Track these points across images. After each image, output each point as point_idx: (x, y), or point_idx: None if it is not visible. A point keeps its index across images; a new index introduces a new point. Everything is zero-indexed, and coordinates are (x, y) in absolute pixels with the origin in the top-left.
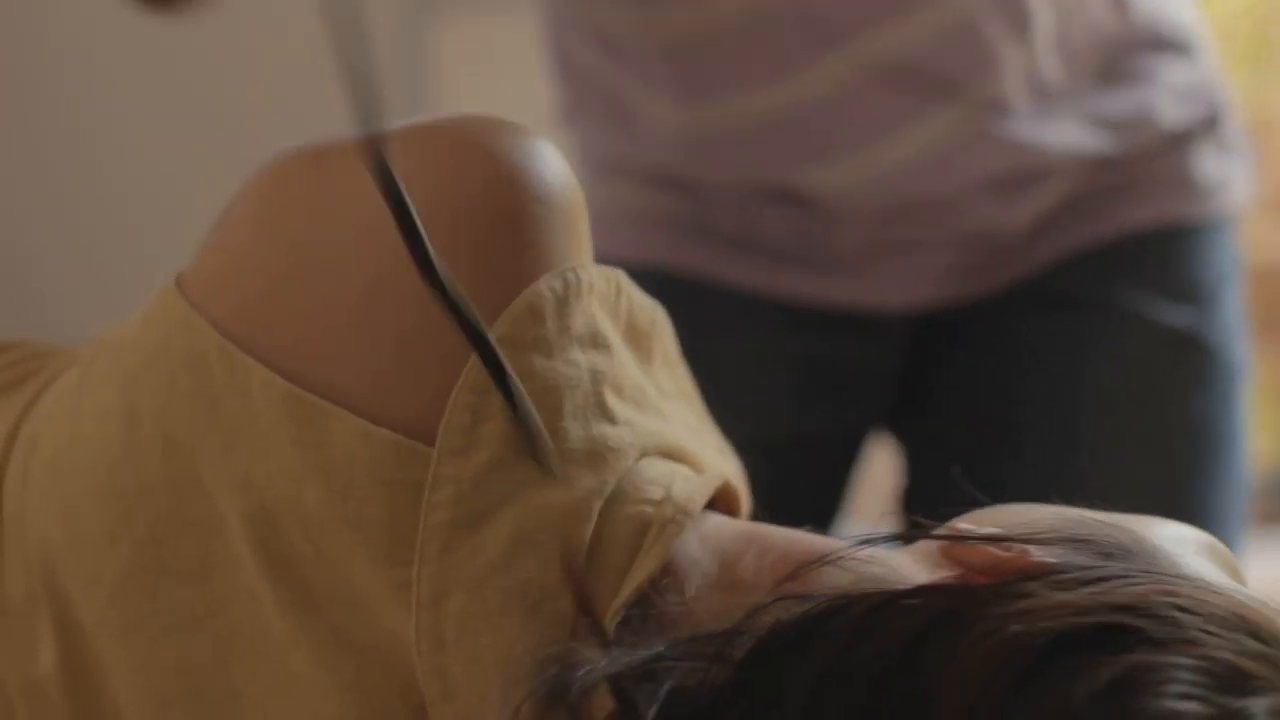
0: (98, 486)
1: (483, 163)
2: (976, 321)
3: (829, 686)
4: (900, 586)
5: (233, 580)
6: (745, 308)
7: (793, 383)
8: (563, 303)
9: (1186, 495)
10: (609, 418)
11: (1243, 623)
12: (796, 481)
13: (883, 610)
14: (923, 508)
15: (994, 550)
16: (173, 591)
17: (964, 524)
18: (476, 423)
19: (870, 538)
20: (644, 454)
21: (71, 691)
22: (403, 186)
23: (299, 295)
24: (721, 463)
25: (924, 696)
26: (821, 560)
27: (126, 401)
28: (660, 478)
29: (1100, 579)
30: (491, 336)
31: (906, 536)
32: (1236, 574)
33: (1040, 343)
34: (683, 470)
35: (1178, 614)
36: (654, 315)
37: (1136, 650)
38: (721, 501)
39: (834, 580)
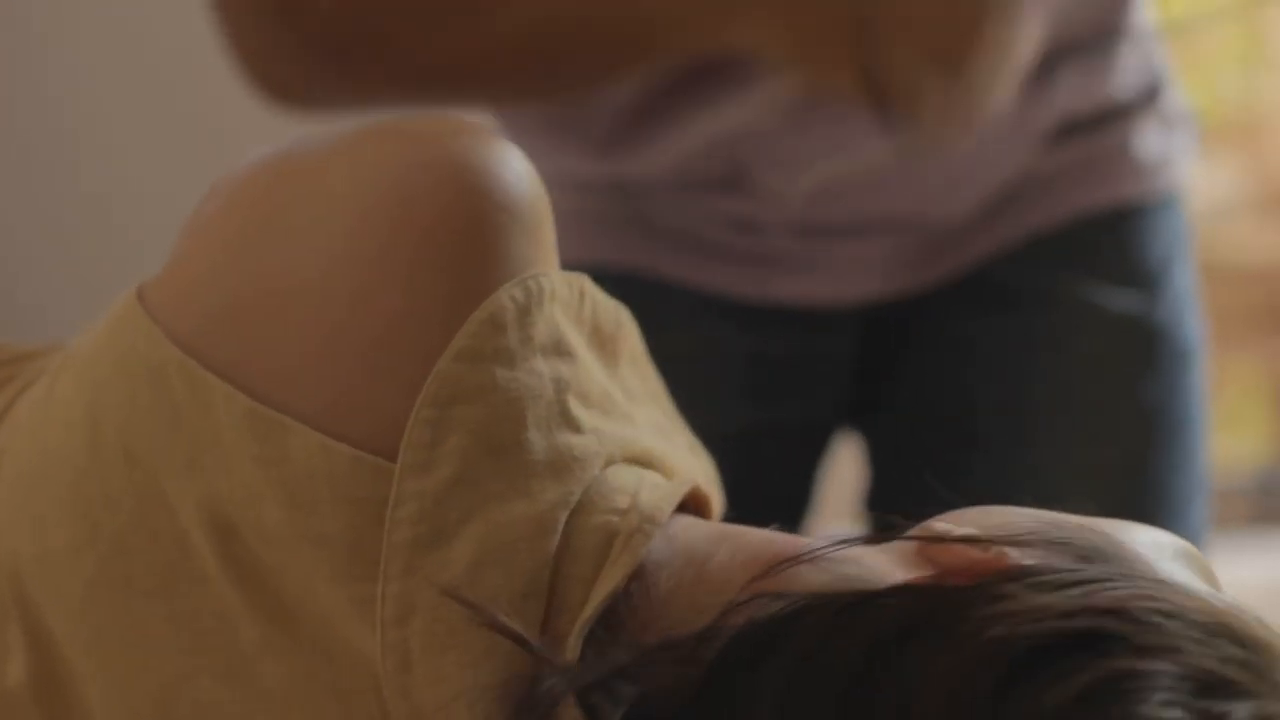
0: (63, 499)
1: (446, 172)
2: (927, 315)
3: (802, 685)
4: (876, 586)
5: (198, 593)
6: (691, 303)
7: (743, 377)
8: (524, 312)
9: (1143, 481)
10: (574, 427)
11: (1223, 629)
12: (754, 476)
13: (859, 609)
14: (887, 505)
15: (972, 551)
16: (138, 605)
17: (940, 524)
18: (438, 438)
19: (844, 538)
20: (610, 462)
21: (42, 701)
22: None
23: (263, 312)
24: (692, 463)
25: (902, 697)
26: (795, 559)
27: (90, 414)
28: (627, 486)
29: (1080, 582)
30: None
31: (882, 537)
32: (1211, 578)
33: (989, 337)
34: (651, 476)
35: (1159, 619)
36: (619, 317)
37: (1118, 656)
38: (692, 503)
39: (809, 580)
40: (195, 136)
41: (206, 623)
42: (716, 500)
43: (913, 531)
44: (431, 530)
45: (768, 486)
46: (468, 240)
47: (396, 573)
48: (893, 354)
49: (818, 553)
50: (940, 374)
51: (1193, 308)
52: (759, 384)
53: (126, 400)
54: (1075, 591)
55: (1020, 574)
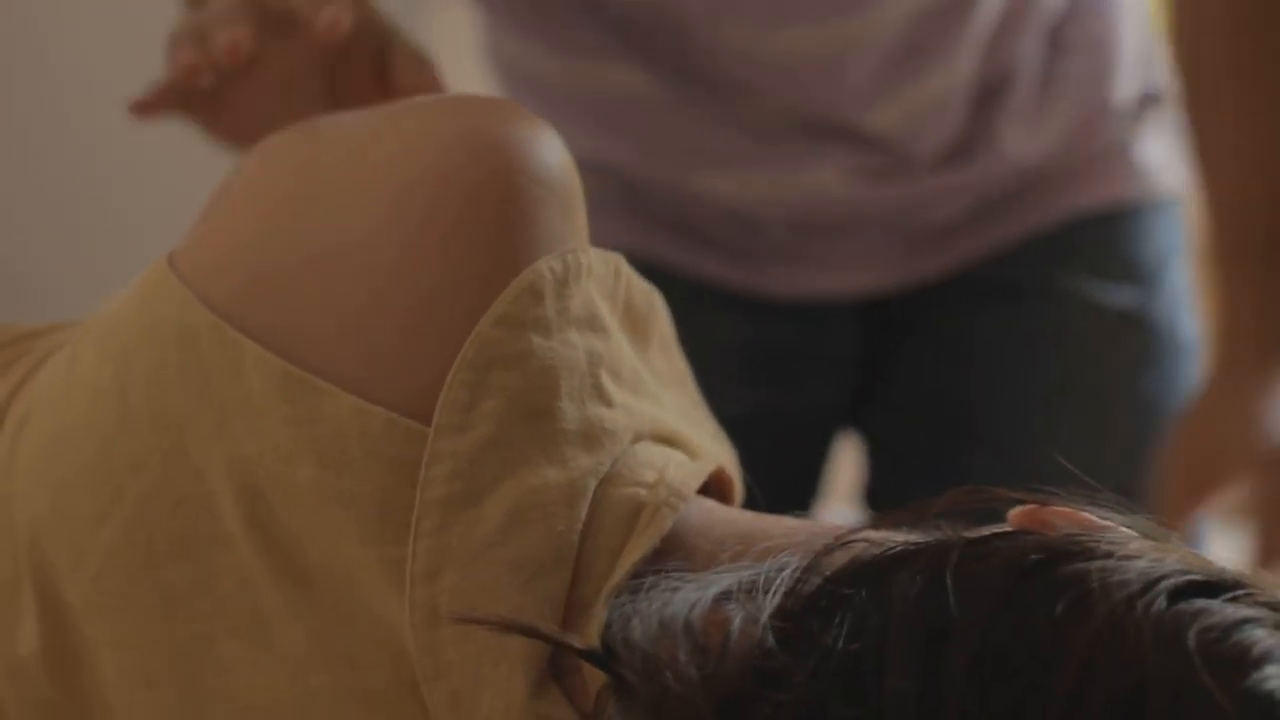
0: (89, 463)
1: (486, 147)
2: (927, 310)
3: (941, 601)
4: (983, 532)
5: (221, 558)
6: (688, 290)
7: (740, 364)
8: (562, 284)
9: (1142, 475)
10: (605, 400)
11: None
12: (752, 464)
13: (984, 543)
14: (888, 502)
15: (1085, 515)
16: (159, 569)
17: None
18: (475, 400)
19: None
20: (639, 438)
21: (53, 669)
22: None
23: (303, 278)
24: (715, 449)
25: (1068, 608)
26: (853, 531)
27: (118, 379)
28: (654, 461)
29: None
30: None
31: (984, 506)
32: None
33: (988, 333)
34: (677, 455)
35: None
36: (651, 300)
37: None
38: (715, 487)
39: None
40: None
41: (228, 586)
42: (739, 486)
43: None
44: (465, 488)
45: (766, 474)
46: (505, 213)
47: (429, 529)
48: (894, 348)
49: (886, 521)
50: (939, 370)
51: (1189, 306)
52: (756, 372)
53: (156, 363)
54: (1177, 553)
55: (1128, 537)
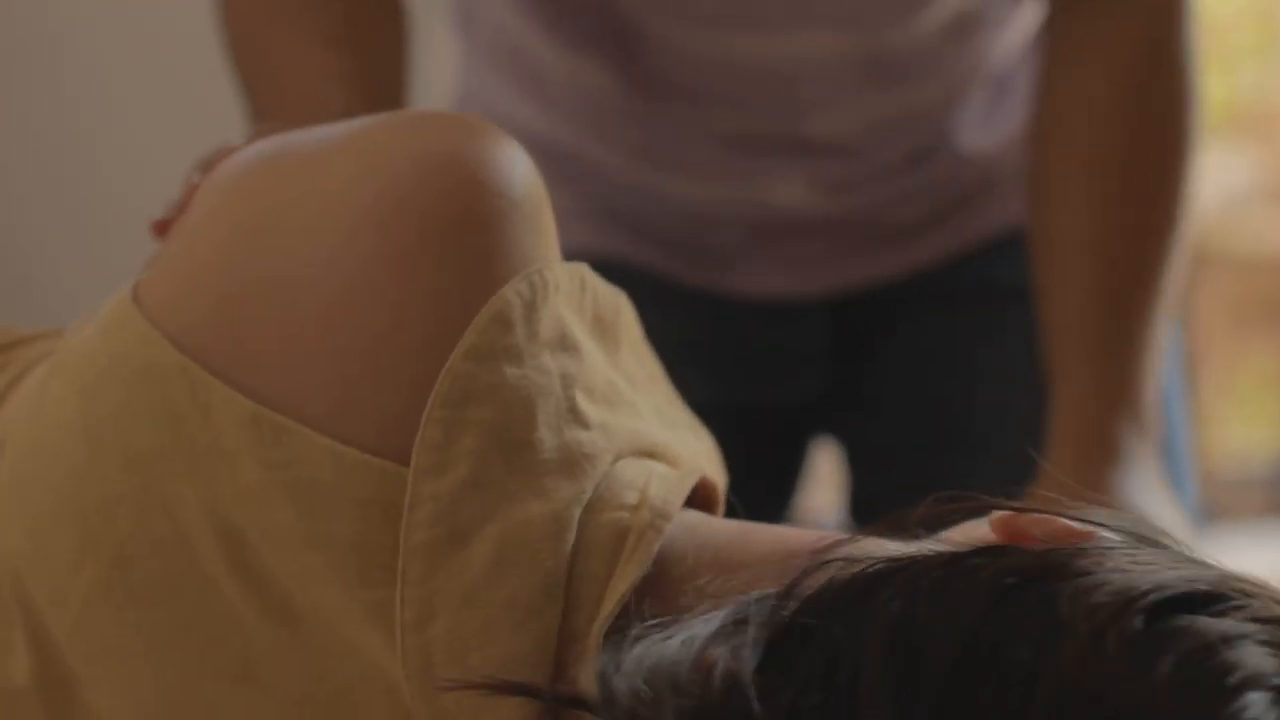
0: (61, 504)
1: (445, 165)
2: (898, 314)
3: (917, 624)
4: (965, 548)
5: (205, 598)
6: (652, 288)
7: (707, 361)
8: (530, 308)
9: None
10: (582, 423)
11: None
12: (727, 465)
13: (967, 559)
14: (870, 509)
15: (1067, 523)
16: (143, 611)
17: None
18: (451, 439)
19: (887, 522)
20: (619, 456)
21: (45, 703)
22: None
23: (262, 310)
24: (695, 444)
25: (1042, 632)
26: (830, 548)
27: (85, 418)
28: (636, 481)
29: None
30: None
31: (968, 512)
32: None
33: (960, 337)
34: (659, 469)
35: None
36: (617, 303)
37: (1237, 612)
38: (700, 490)
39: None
40: (196, 120)
41: (214, 626)
42: (721, 482)
43: (1005, 504)
44: (449, 532)
45: (739, 475)
46: (466, 231)
47: (416, 577)
48: (866, 353)
49: (867, 532)
50: (914, 376)
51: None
52: (723, 370)
53: (123, 403)
54: (1165, 560)
55: (1108, 546)
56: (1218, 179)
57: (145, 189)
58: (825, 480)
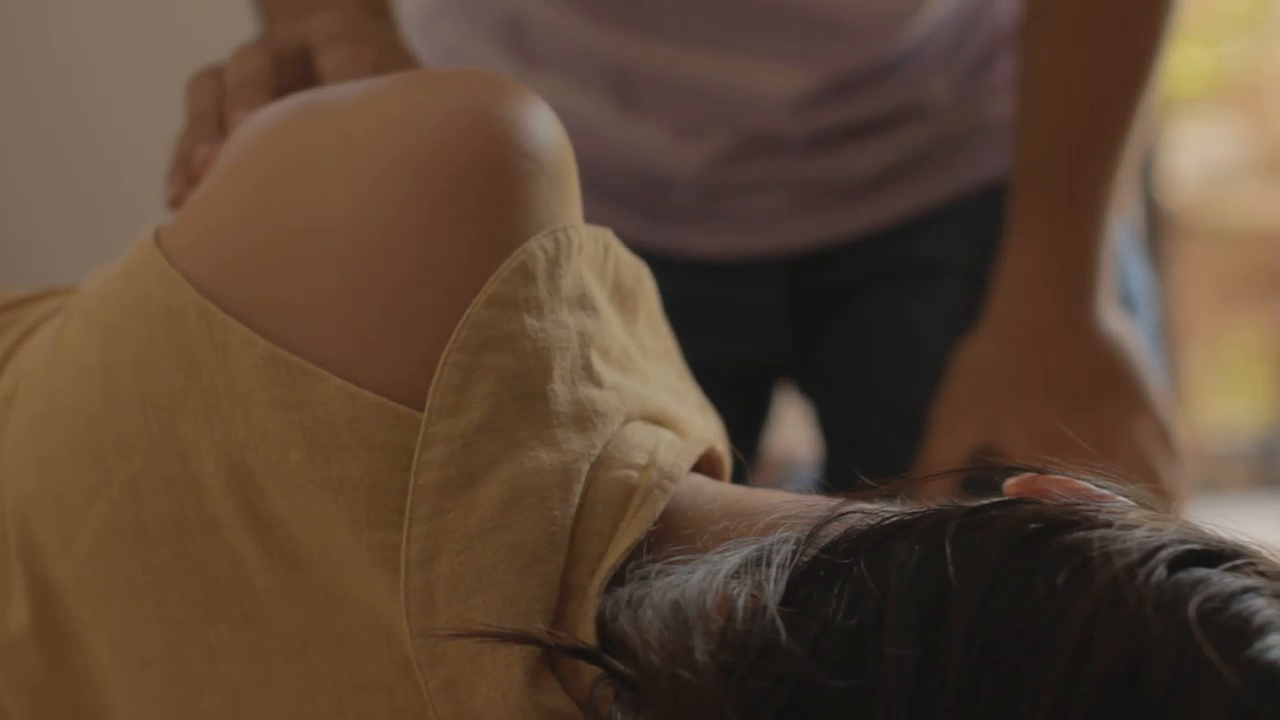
0: (76, 443)
1: (476, 121)
2: (844, 277)
3: (940, 568)
4: (983, 500)
5: (211, 540)
6: None
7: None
8: (553, 263)
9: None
10: (596, 381)
11: None
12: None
13: (983, 511)
14: (841, 474)
15: (1087, 485)
16: (149, 551)
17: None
18: (468, 382)
19: (900, 479)
20: (629, 419)
21: (44, 650)
22: None
23: (285, 256)
24: (703, 422)
25: (1070, 576)
26: (848, 501)
27: (104, 357)
28: (645, 443)
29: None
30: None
31: (993, 474)
32: None
33: (887, 305)
34: (667, 435)
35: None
36: (639, 273)
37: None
38: (705, 464)
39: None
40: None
41: (218, 569)
42: (726, 460)
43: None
44: (460, 473)
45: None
46: (493, 188)
47: (423, 515)
48: (821, 310)
49: (885, 490)
50: (874, 351)
51: (1134, 257)
52: (679, 326)
53: (142, 344)
54: (1178, 521)
55: (1127, 506)
56: (1205, 151)
57: (142, 167)
58: (794, 420)
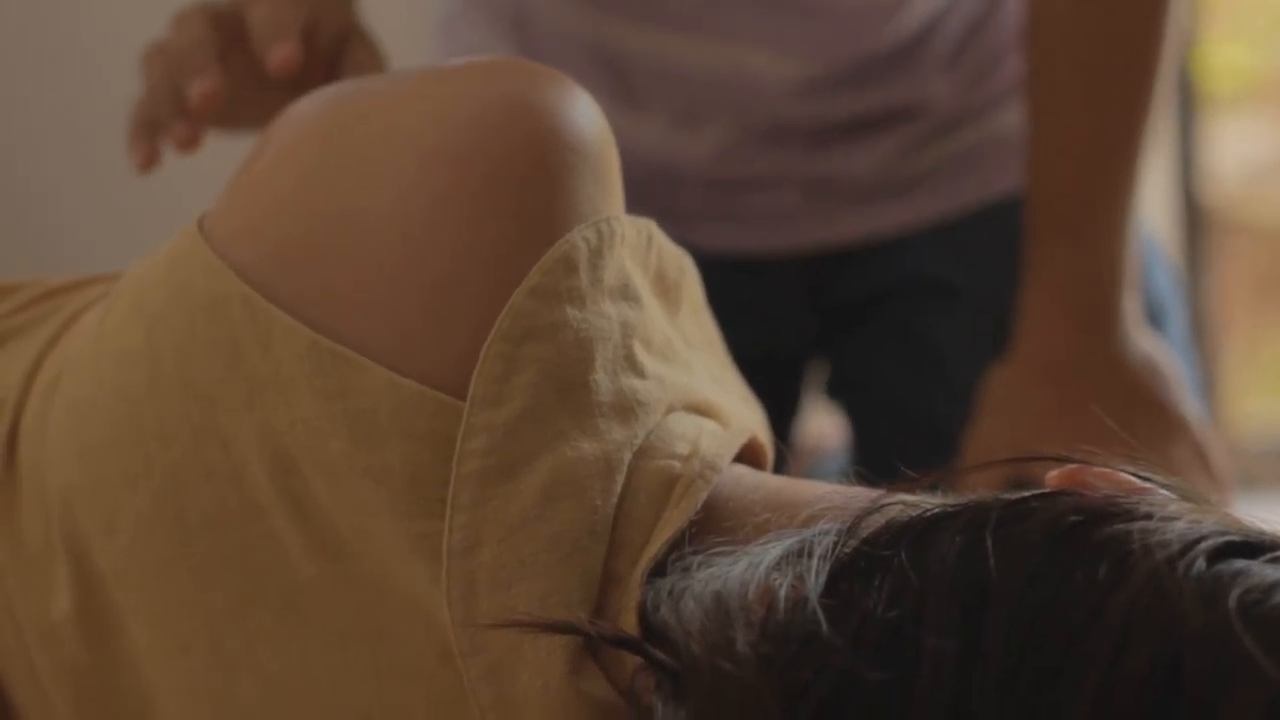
0: (119, 430)
1: (519, 112)
2: (865, 289)
3: (981, 560)
4: (1023, 493)
5: (253, 529)
6: None
7: None
8: (596, 254)
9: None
10: (638, 371)
11: None
12: None
13: (1024, 503)
14: (867, 466)
15: (1131, 478)
16: (191, 539)
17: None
18: (509, 372)
19: (941, 472)
20: (671, 409)
21: (86, 637)
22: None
23: (329, 245)
24: (746, 413)
25: (1109, 569)
26: (889, 493)
27: (148, 345)
28: (687, 433)
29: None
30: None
31: (1036, 469)
32: None
33: (910, 321)
34: (710, 425)
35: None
36: (682, 264)
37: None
38: (748, 453)
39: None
40: None
41: (260, 557)
42: (769, 451)
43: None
44: (501, 462)
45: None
46: (536, 180)
47: (465, 503)
48: (849, 318)
49: (900, 496)
50: (894, 365)
51: (1159, 263)
52: None
53: (185, 333)
54: (1218, 513)
55: (1167, 499)
56: (1243, 149)
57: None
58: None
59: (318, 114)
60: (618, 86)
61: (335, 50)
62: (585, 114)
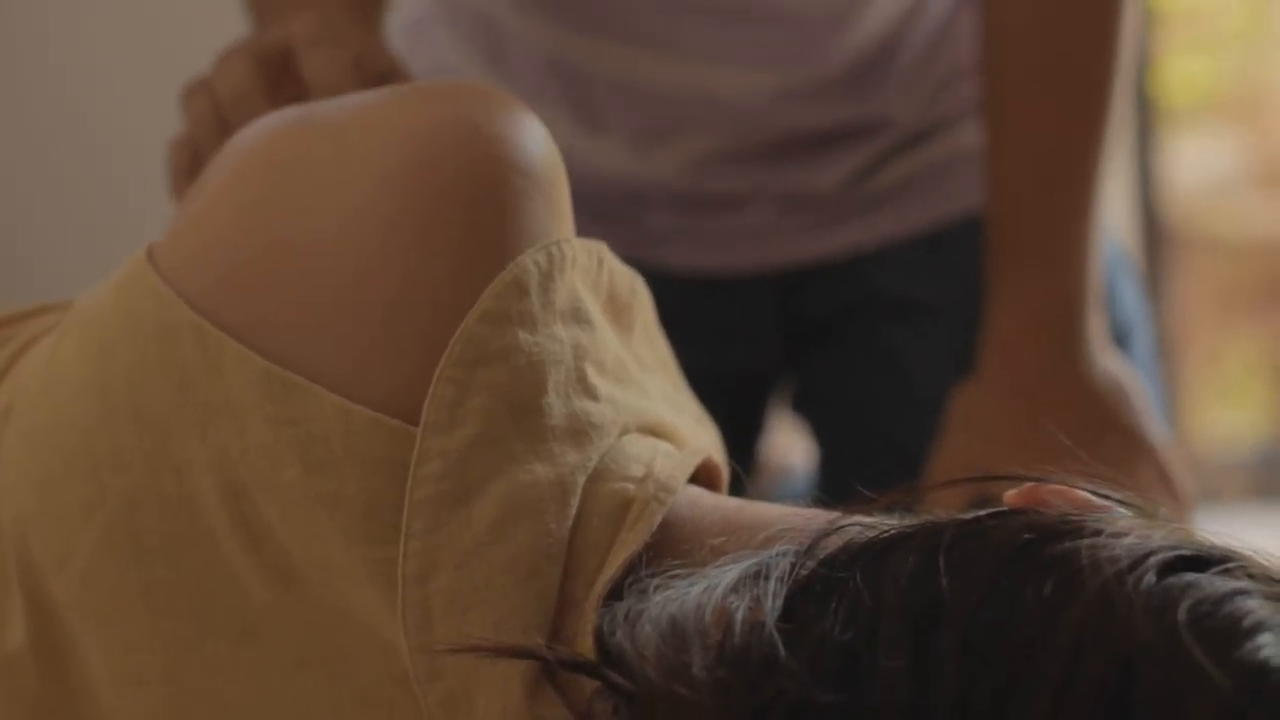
0: (71, 460)
1: (468, 136)
2: (833, 306)
3: (933, 581)
4: (979, 512)
5: (206, 557)
6: None
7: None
8: (547, 277)
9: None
10: (591, 394)
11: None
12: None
13: (978, 522)
14: (832, 484)
15: (1088, 496)
16: (146, 567)
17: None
18: (462, 397)
19: (905, 489)
20: (625, 431)
21: (41, 666)
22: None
23: (279, 271)
24: (700, 434)
25: (1058, 586)
26: (846, 514)
27: (99, 375)
28: (642, 455)
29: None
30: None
31: (994, 488)
32: None
33: (877, 339)
34: (664, 447)
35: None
36: (633, 285)
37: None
38: (703, 475)
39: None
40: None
41: (214, 585)
42: (723, 472)
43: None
44: (455, 487)
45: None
46: (485, 203)
47: (419, 529)
48: (815, 335)
49: (884, 502)
50: (857, 371)
51: (1126, 283)
52: (669, 337)
53: (136, 362)
54: (1170, 529)
55: (1120, 516)
56: (1205, 162)
57: (145, 179)
58: (788, 427)
59: (266, 140)
60: (578, 107)
61: (381, 84)
62: (534, 138)
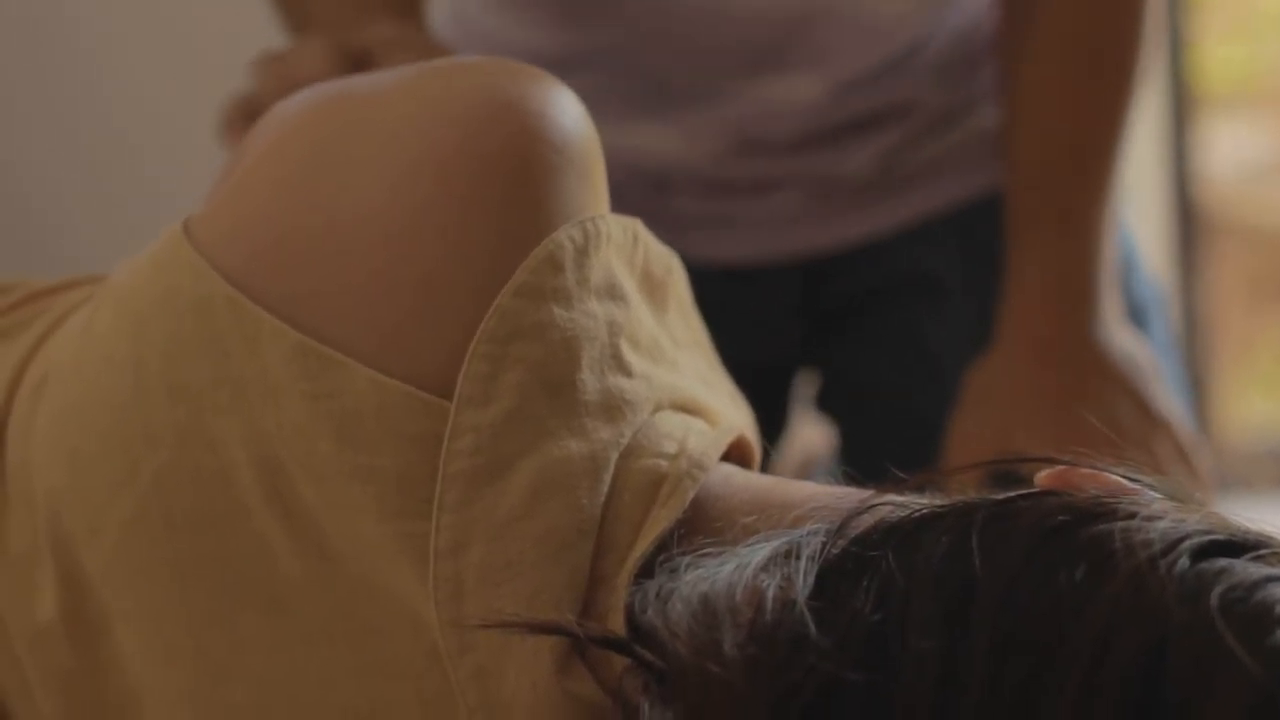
0: (104, 434)
1: (504, 111)
2: (857, 289)
3: (967, 560)
4: (1008, 494)
5: (239, 530)
6: None
7: None
8: (582, 253)
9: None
10: (625, 371)
11: None
12: None
13: (1011, 503)
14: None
15: (1119, 479)
16: (177, 542)
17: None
18: (496, 372)
19: (929, 473)
20: (659, 408)
21: (73, 640)
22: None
23: (315, 246)
24: (733, 412)
25: (1091, 569)
26: (878, 493)
27: (134, 349)
28: (674, 432)
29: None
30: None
31: (1025, 469)
32: None
33: (902, 319)
34: (697, 424)
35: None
36: (669, 263)
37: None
38: (734, 453)
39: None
40: (219, 70)
41: (247, 557)
42: (756, 450)
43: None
44: (488, 462)
45: None
46: (522, 180)
47: (452, 504)
48: (838, 319)
49: (914, 482)
50: (888, 368)
51: (1139, 268)
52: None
53: (171, 335)
54: (1203, 514)
55: (1153, 499)
56: (1240, 149)
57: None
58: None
59: (302, 116)
60: (630, 93)
61: None
62: (569, 113)
